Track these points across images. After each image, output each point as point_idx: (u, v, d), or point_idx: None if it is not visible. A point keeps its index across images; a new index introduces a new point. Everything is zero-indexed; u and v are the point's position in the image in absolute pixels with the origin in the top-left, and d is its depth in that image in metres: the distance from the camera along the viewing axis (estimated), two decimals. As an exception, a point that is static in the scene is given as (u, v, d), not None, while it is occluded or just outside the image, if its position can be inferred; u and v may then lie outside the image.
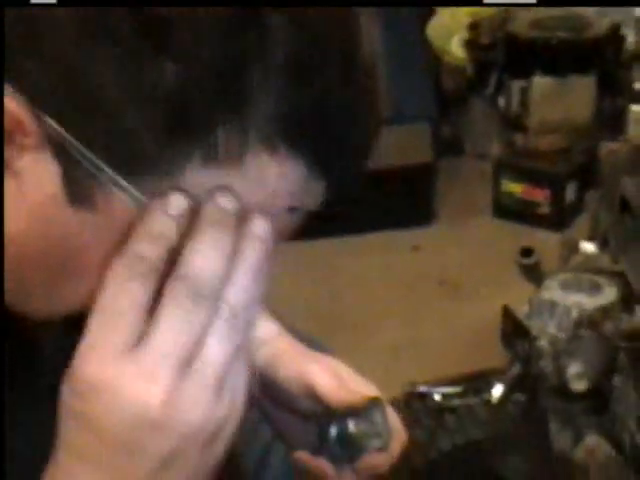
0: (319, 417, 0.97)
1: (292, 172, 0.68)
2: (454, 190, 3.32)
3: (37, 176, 0.66)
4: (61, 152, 0.65)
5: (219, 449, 0.70)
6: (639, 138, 2.38)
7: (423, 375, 2.19)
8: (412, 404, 2.03)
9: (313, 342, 1.08)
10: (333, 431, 0.95)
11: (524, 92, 3.17)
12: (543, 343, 1.80)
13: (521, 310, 1.91)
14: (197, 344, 0.67)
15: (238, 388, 0.69)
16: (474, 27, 3.28)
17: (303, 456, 0.98)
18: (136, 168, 0.65)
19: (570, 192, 3.12)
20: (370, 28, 0.69)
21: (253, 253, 0.68)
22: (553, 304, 1.81)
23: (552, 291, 1.82)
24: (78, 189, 0.66)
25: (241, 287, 0.68)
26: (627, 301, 1.91)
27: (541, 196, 3.13)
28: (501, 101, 3.28)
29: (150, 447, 0.67)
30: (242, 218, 0.68)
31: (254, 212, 0.68)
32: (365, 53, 0.68)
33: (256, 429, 1.10)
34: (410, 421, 1.98)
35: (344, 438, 0.95)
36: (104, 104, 0.63)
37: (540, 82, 3.13)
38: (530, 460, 1.85)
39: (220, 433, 0.69)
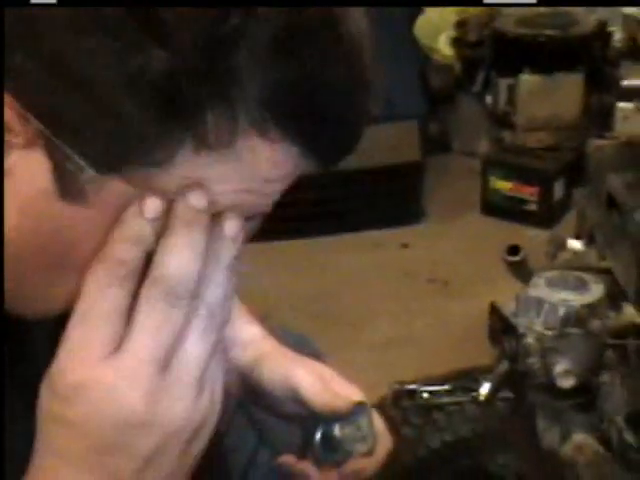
0: (304, 421, 0.97)
1: (284, 154, 0.68)
2: (443, 187, 3.32)
3: (27, 172, 0.67)
4: (51, 148, 0.66)
5: (200, 445, 0.71)
6: (626, 135, 2.38)
7: (412, 371, 2.19)
8: (401, 402, 2.03)
9: (301, 340, 1.09)
10: (318, 435, 0.95)
11: (512, 89, 3.17)
12: (530, 340, 1.79)
13: (509, 307, 1.91)
14: (176, 343, 0.68)
15: (216, 384, 0.71)
16: (461, 25, 3.27)
17: (288, 460, 0.99)
18: (129, 156, 0.65)
19: (558, 189, 3.13)
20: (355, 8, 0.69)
21: (227, 252, 0.69)
22: (540, 301, 1.81)
23: (539, 288, 1.82)
24: (68, 183, 0.66)
25: (216, 285, 0.68)
26: (614, 298, 1.91)
27: (529, 193, 3.13)
28: (489, 98, 3.28)
29: (134, 447, 0.68)
30: (214, 215, 0.68)
31: (226, 211, 0.68)
32: (351, 31, 0.68)
33: (245, 427, 1.11)
34: (399, 419, 1.98)
35: (329, 442, 0.95)
36: (93, 93, 0.63)
37: (527, 79, 3.13)
38: (518, 457, 1.86)
39: (201, 429, 0.70)
